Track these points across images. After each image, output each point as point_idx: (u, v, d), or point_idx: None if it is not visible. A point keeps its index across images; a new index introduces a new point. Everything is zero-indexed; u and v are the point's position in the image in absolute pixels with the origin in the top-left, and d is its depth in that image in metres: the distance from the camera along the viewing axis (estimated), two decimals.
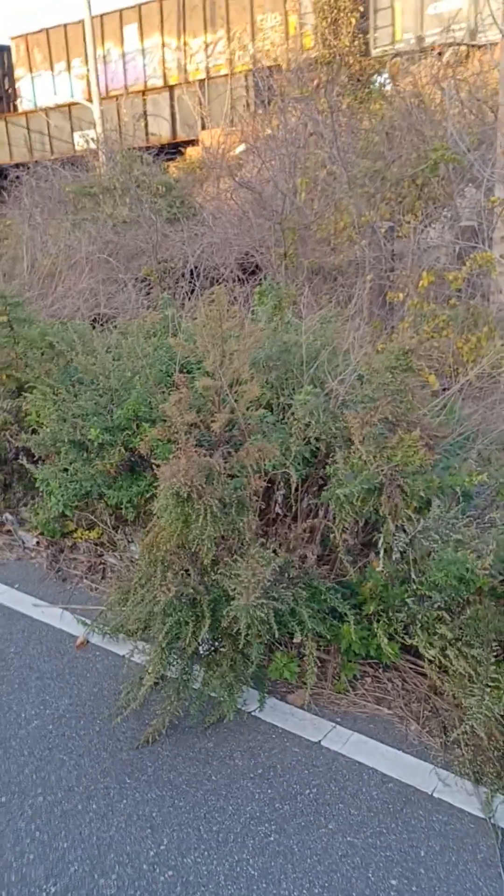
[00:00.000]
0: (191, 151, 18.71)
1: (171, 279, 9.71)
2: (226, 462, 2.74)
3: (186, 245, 9.81)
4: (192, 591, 2.63)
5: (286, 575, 2.69)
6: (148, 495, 3.45)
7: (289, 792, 2.55)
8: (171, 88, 21.26)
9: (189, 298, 8.33)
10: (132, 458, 3.45)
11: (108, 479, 3.42)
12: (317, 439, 3.12)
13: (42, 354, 4.43)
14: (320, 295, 7.46)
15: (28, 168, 13.84)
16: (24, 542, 4.49)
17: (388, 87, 11.89)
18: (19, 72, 23.76)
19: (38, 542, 4.46)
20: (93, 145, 18.57)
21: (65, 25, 22.29)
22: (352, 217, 7.81)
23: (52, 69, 22.62)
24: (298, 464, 3.00)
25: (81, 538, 4.26)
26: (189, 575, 2.67)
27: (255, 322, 4.68)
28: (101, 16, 21.27)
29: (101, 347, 3.74)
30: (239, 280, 8.80)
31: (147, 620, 2.76)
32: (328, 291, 7.86)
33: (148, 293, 9.44)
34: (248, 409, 3.15)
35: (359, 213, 7.08)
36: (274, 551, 2.66)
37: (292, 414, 3.19)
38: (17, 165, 15.51)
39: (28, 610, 3.78)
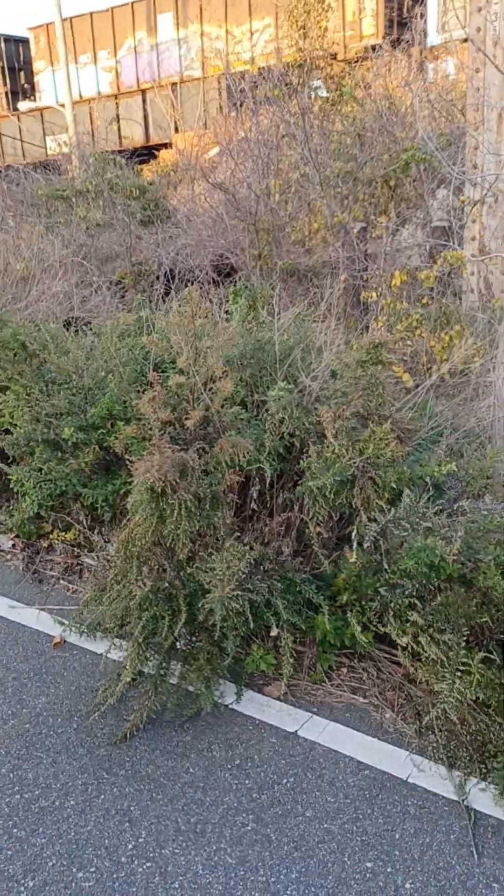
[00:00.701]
0: (164, 154, 18.68)
1: (146, 282, 9.72)
2: (200, 458, 2.76)
3: (161, 248, 9.83)
4: (167, 585, 2.65)
5: (261, 568, 2.72)
6: (123, 493, 3.46)
7: (266, 782, 2.57)
8: (143, 92, 21.26)
9: (164, 301, 8.34)
10: (107, 457, 3.46)
11: (83, 478, 3.43)
12: (291, 435, 3.15)
13: (14, 356, 4.42)
14: (295, 295, 7.52)
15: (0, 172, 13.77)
16: None
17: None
18: (39, 65, 22.24)
19: (13, 545, 4.44)
20: (65, 149, 18.51)
21: (91, 14, 20.87)
22: (325, 218, 7.88)
23: (76, 61, 21.07)
24: (273, 459, 3.03)
25: (58, 539, 4.25)
26: (165, 570, 2.69)
27: (230, 321, 4.71)
28: (132, 3, 19.96)
29: (75, 347, 3.75)
30: (214, 282, 8.84)
31: (123, 617, 2.77)
32: (303, 292, 7.92)
33: (122, 296, 9.44)
34: (222, 406, 3.18)
35: (332, 214, 7.14)
36: (249, 545, 2.68)
37: (266, 410, 3.22)
38: None
39: (4, 612, 3.77)
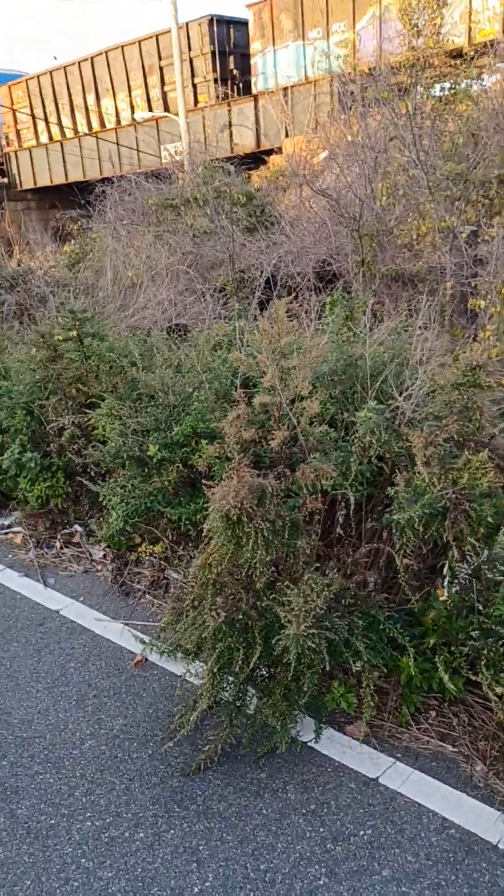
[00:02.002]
0: (274, 160, 18.69)
1: (248, 289, 9.71)
2: (279, 482, 2.64)
3: (263, 254, 9.79)
4: (243, 616, 2.54)
5: (342, 602, 2.57)
6: (206, 513, 3.39)
7: (342, 832, 2.42)
8: (255, 98, 21.36)
9: (263, 308, 8.29)
10: (191, 475, 3.40)
11: (167, 496, 3.38)
12: (380, 458, 2.98)
13: (110, 369, 4.46)
14: (399, 302, 7.27)
15: (113, 182, 14.18)
16: (91, 555, 4.52)
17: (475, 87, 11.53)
18: (255, 46, 20.15)
19: (104, 555, 4.48)
20: (178, 157, 18.82)
21: None
22: (434, 222, 7.58)
23: (303, 38, 18.71)
24: (360, 484, 2.87)
25: (146, 552, 4.25)
26: (241, 599, 2.59)
27: (324, 333, 4.57)
28: None
29: (163, 361, 3.71)
30: (315, 289, 8.70)
31: (199, 643, 2.69)
32: (407, 299, 7.64)
33: (225, 303, 9.47)
34: (310, 425, 3.05)
35: (440, 218, 6.85)
36: (330, 577, 2.53)
37: (355, 431, 3.06)
38: (104, 180, 15.89)
39: (90, 624, 3.79)
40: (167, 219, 13.03)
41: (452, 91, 11.16)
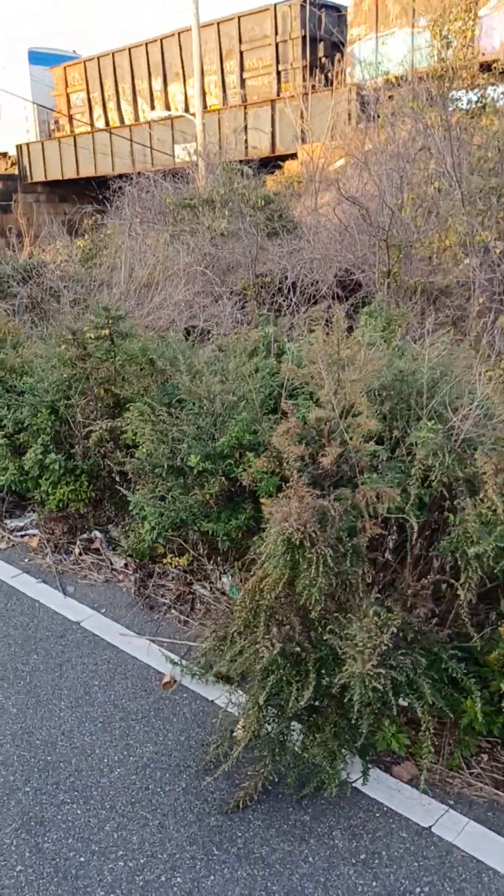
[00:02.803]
0: (289, 165, 18.56)
1: (267, 294, 9.56)
2: (340, 504, 2.47)
3: (285, 260, 9.64)
4: (296, 647, 2.37)
5: (405, 638, 2.40)
6: (246, 528, 3.22)
7: (396, 888, 2.25)
8: (272, 102, 21.22)
9: (286, 314, 8.13)
10: (232, 489, 3.23)
11: (205, 510, 3.21)
12: (439, 483, 2.81)
13: (141, 370, 4.29)
14: (425, 317, 7.11)
15: (130, 179, 14.02)
16: (112, 563, 4.34)
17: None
18: (355, 31, 18.60)
19: (126, 564, 4.31)
20: (194, 157, 18.66)
21: None
22: (460, 235, 7.43)
23: (412, 25, 16.97)
24: (417, 509, 2.70)
25: (171, 564, 4.07)
26: (294, 629, 2.41)
27: (367, 346, 4.41)
28: None
29: (206, 367, 3.54)
30: (337, 297, 8.54)
31: (244, 672, 2.51)
32: (434, 314, 7.49)
33: (243, 307, 9.32)
34: (362, 442, 2.89)
35: (472, 231, 6.70)
36: (389, 609, 2.37)
37: (409, 451, 2.89)
38: (119, 177, 15.72)
39: (114, 639, 3.61)
40: (184, 219, 12.88)
41: (479, 104, 11.04)
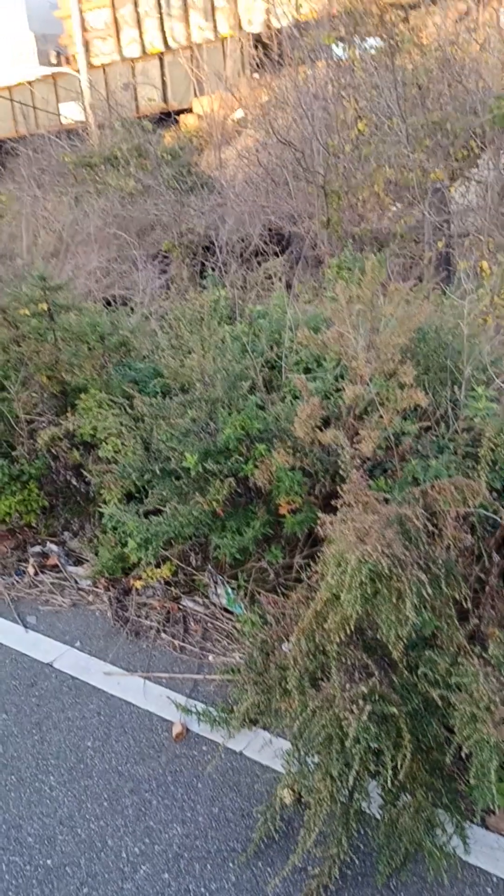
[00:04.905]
0: (186, 119, 17.64)
1: (189, 254, 8.85)
2: (415, 507, 1.90)
3: (205, 216, 8.92)
4: (380, 699, 1.81)
5: None
6: (262, 539, 2.62)
7: None
8: (160, 56, 19.94)
9: (204, 275, 7.39)
10: (238, 490, 2.60)
11: (211, 520, 2.57)
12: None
13: (90, 350, 3.57)
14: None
15: (18, 142, 12.84)
16: (76, 582, 3.66)
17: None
18: None
19: (94, 582, 3.63)
20: (82, 116, 17.28)
21: None
22: (404, 176, 6.93)
23: None
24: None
25: (150, 577, 3.42)
26: (372, 675, 1.85)
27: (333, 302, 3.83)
28: None
29: (200, 342, 2.87)
30: (262, 253, 7.93)
31: (326, 742, 1.92)
32: (380, 258, 6.96)
33: (164, 271, 8.59)
34: (404, 421, 2.33)
35: (429, 169, 6.19)
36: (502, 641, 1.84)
37: (468, 428, 2.36)
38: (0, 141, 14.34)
39: (99, 681, 2.95)
40: (85, 178, 11.88)
41: (395, 41, 10.46)
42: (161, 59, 20.20)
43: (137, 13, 18.80)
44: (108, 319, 3.61)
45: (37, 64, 21.46)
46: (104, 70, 20.90)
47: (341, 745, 1.80)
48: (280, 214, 8.15)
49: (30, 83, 22.07)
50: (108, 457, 2.93)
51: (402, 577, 1.69)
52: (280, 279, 5.24)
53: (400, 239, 6.48)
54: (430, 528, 1.89)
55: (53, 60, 21.50)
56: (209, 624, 3.24)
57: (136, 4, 18.72)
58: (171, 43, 18.77)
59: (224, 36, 18.38)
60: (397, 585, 1.70)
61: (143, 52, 18.96)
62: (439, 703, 1.79)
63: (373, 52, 10.15)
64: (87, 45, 19.91)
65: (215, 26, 18.10)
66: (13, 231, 9.79)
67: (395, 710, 1.78)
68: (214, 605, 3.31)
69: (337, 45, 9.40)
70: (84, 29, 19.81)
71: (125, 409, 3.06)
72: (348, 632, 1.83)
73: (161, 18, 18.10)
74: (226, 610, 3.25)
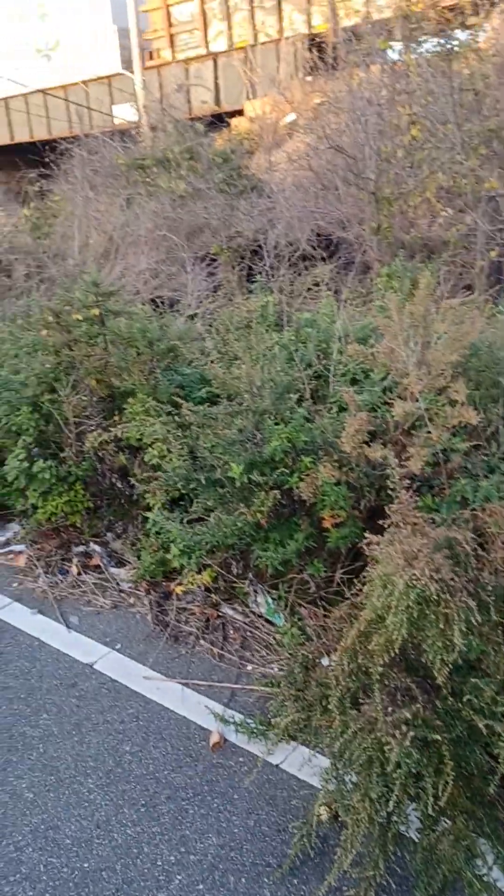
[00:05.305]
0: (237, 122, 17.68)
1: (237, 257, 8.87)
2: (465, 530, 1.87)
3: (255, 220, 8.93)
4: (423, 727, 1.78)
5: None
6: (305, 552, 2.61)
7: None
8: (214, 57, 20.06)
9: (270, 279, 7.43)
10: (283, 502, 2.60)
11: (254, 530, 2.57)
12: None
13: (138, 354, 3.61)
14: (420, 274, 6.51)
15: (72, 142, 13.04)
16: (118, 584, 3.69)
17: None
18: None
19: (136, 584, 3.66)
20: (135, 117, 17.42)
21: None
22: (456, 183, 6.84)
23: None
24: None
25: (191, 583, 3.44)
26: (416, 700, 1.83)
27: (382, 313, 3.80)
28: None
29: (246, 351, 2.87)
30: (310, 258, 7.90)
31: (347, 751, 1.92)
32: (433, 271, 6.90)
33: (211, 273, 8.62)
34: (453, 438, 2.29)
35: (476, 179, 6.10)
36: None
37: None
38: (53, 141, 14.58)
39: (139, 685, 2.98)
40: (137, 180, 12.00)
41: (450, 46, 10.32)
42: (215, 61, 20.33)
43: (227, 5, 18.07)
44: (157, 325, 3.64)
45: (118, 59, 21.22)
46: (159, 71, 21.11)
47: (382, 768, 1.79)
48: (329, 219, 8.12)
49: (85, 83, 22.46)
50: (154, 462, 2.95)
51: (451, 603, 1.66)
52: (328, 285, 5.22)
53: (451, 247, 6.39)
54: (480, 551, 1.86)
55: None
56: (248, 633, 3.24)
57: None
58: (260, 36, 17.83)
59: (275, 39, 18.25)
60: (445, 611, 1.68)
61: (231, 45, 18.29)
62: (484, 731, 1.75)
63: (428, 56, 10.06)
64: (171, 39, 19.51)
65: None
66: (66, 231, 9.96)
67: (437, 736, 1.75)
68: (254, 613, 3.31)
69: (392, 49, 9.32)
70: (169, 24, 19.42)
71: (172, 416, 3.08)
72: (392, 654, 1.81)
73: (252, 11, 17.44)
74: (265, 619, 3.24)
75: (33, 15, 22.50)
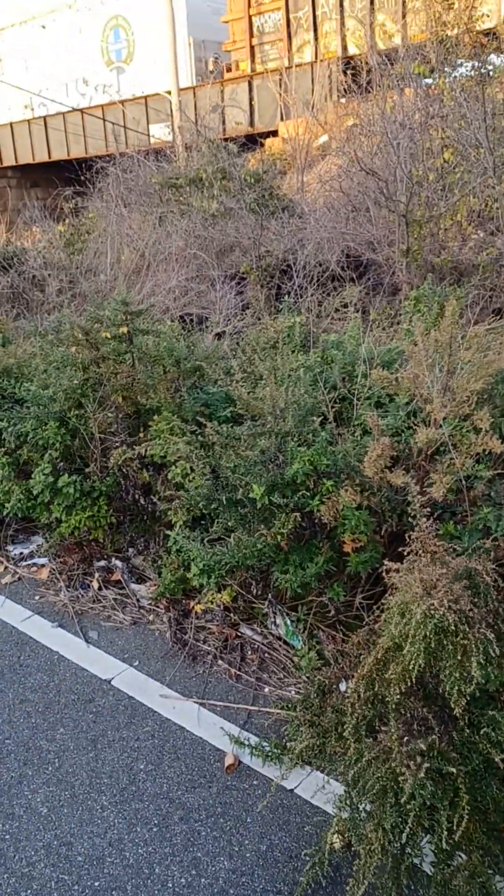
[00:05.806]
0: (270, 142, 17.83)
1: (266, 277, 8.92)
2: (487, 561, 1.86)
3: (286, 239, 8.99)
4: (438, 758, 1.76)
5: None
6: (324, 575, 2.60)
7: None
8: (249, 78, 20.32)
9: (298, 299, 7.48)
10: (303, 524, 2.60)
11: (274, 552, 2.58)
12: None
13: (164, 373, 3.64)
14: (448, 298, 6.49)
15: (107, 160, 13.28)
16: (138, 601, 3.71)
17: None
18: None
19: (155, 601, 3.67)
20: (169, 136, 17.63)
21: None
22: (488, 206, 6.84)
23: None
24: None
25: (210, 602, 3.44)
26: (431, 730, 1.81)
27: (408, 337, 3.80)
28: None
29: (269, 373, 2.89)
30: (339, 279, 7.93)
31: (361, 780, 1.90)
32: (459, 296, 6.89)
33: (240, 292, 8.68)
34: (477, 465, 2.28)
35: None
36: None
37: None
38: (90, 159, 14.81)
39: (155, 702, 2.98)
40: (171, 199, 12.17)
41: (483, 70, 10.35)
42: (250, 83, 20.58)
43: (314, 15, 17.28)
44: (184, 343, 3.68)
45: (192, 70, 21.14)
46: (194, 92, 21.43)
47: (396, 798, 1.77)
48: (359, 241, 8.14)
49: (122, 103, 22.89)
50: (177, 480, 2.97)
51: (469, 634, 1.65)
52: (355, 306, 5.23)
53: (481, 270, 6.38)
54: (501, 582, 1.84)
55: (210, 67, 21.07)
56: (266, 654, 3.23)
57: (313, 6, 17.08)
58: (350, 49, 17.29)
59: (310, 62, 18.35)
60: (463, 642, 1.67)
61: (316, 56, 17.70)
62: (501, 765, 1.73)
63: (462, 80, 10.08)
64: (252, 50, 19.17)
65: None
66: (99, 248, 10.12)
67: (453, 769, 1.73)
68: (272, 635, 3.30)
69: (427, 74, 9.37)
70: (251, 34, 19.01)
71: (196, 435, 3.11)
72: (409, 683, 1.79)
73: (342, 21, 16.77)
74: (284, 641, 3.23)
75: (106, 27, 22.80)
